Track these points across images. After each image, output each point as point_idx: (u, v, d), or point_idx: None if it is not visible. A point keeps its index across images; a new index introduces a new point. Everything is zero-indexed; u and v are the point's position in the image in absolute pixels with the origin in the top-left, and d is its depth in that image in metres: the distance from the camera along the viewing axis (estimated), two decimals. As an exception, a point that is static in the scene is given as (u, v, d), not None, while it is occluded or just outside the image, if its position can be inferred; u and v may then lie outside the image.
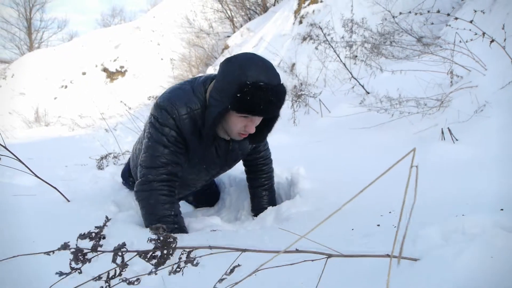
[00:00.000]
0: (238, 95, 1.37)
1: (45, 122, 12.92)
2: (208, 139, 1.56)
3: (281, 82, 1.46)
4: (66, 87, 16.30)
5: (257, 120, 1.50)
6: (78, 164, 3.14)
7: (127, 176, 2.08)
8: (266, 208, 1.77)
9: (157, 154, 1.55)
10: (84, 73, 16.60)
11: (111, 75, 16.40)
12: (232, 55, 1.52)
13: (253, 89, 1.36)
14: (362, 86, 3.64)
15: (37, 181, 2.03)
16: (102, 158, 2.96)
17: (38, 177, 1.96)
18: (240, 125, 1.49)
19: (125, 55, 16.79)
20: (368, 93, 3.59)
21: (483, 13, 2.90)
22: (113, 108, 10.96)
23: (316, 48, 4.72)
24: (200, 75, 1.70)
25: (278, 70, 1.51)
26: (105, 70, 16.55)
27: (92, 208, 1.74)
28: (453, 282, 0.59)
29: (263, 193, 1.91)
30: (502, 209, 1.07)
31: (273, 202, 1.91)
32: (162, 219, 1.51)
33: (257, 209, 1.87)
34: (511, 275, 0.58)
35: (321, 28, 3.66)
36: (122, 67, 16.51)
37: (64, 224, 1.57)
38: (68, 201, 1.89)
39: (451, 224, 0.77)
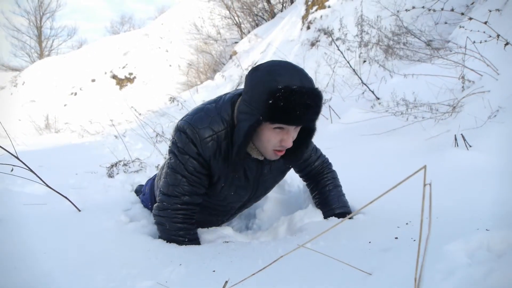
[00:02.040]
0: (270, 101, 1.24)
1: (55, 129, 13.06)
2: (237, 161, 1.40)
3: (316, 86, 1.32)
4: (75, 94, 16.48)
5: (294, 131, 1.34)
6: (88, 172, 3.15)
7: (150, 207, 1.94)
8: (336, 212, 1.58)
9: (175, 184, 1.46)
10: (93, 80, 16.78)
11: (120, 82, 16.55)
12: (257, 64, 1.39)
13: (286, 93, 1.23)
14: (372, 92, 3.61)
15: (47, 189, 2.04)
16: (112, 166, 2.97)
17: (49, 187, 1.96)
18: (275, 140, 1.32)
19: (133, 62, 16.95)
20: (378, 98, 3.55)
21: (499, 11, 2.84)
22: (123, 115, 11.05)
23: (325, 53, 4.70)
24: (226, 92, 1.59)
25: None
26: (114, 77, 16.71)
27: (103, 218, 1.73)
28: (483, 304, 0.56)
29: (328, 192, 1.66)
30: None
31: (342, 201, 1.65)
32: (176, 244, 1.49)
33: (328, 215, 1.61)
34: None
35: (330, 34, 3.64)
36: (131, 74, 16.64)
37: (75, 234, 1.57)
38: (79, 210, 1.89)
39: (474, 240, 0.74)
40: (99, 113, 13.07)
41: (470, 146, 2.22)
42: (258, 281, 0.81)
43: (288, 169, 1.67)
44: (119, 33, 27.82)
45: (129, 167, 2.97)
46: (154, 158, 3.28)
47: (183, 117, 1.49)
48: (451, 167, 1.98)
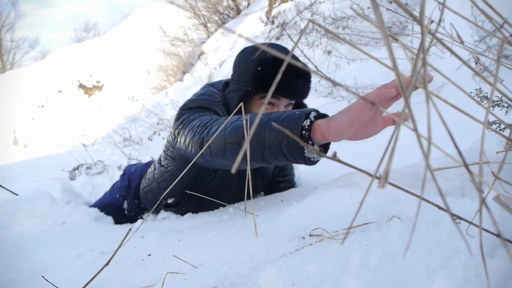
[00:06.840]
0: (259, 68, 1.24)
1: (24, 144, 12.72)
2: None
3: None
4: (42, 106, 16.03)
5: (284, 106, 1.30)
6: (51, 178, 3.13)
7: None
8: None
9: (203, 123, 1.15)
10: (60, 91, 16.34)
11: (88, 91, 16.21)
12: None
13: (275, 61, 1.22)
14: (328, 79, 3.70)
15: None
16: (74, 169, 2.96)
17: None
18: None
19: (100, 69, 16.61)
20: (335, 85, 3.67)
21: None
22: (93, 124, 10.87)
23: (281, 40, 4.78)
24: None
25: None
26: (81, 86, 16.35)
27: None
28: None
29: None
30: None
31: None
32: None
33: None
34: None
35: (282, 25, 3.73)
36: (98, 82, 16.30)
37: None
38: (17, 195, 1.83)
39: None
40: (69, 124, 12.82)
41: (414, 120, 2.35)
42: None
43: None
44: (84, 41, 27.20)
45: (91, 169, 2.97)
46: (116, 156, 3.29)
47: (186, 101, 1.35)
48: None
